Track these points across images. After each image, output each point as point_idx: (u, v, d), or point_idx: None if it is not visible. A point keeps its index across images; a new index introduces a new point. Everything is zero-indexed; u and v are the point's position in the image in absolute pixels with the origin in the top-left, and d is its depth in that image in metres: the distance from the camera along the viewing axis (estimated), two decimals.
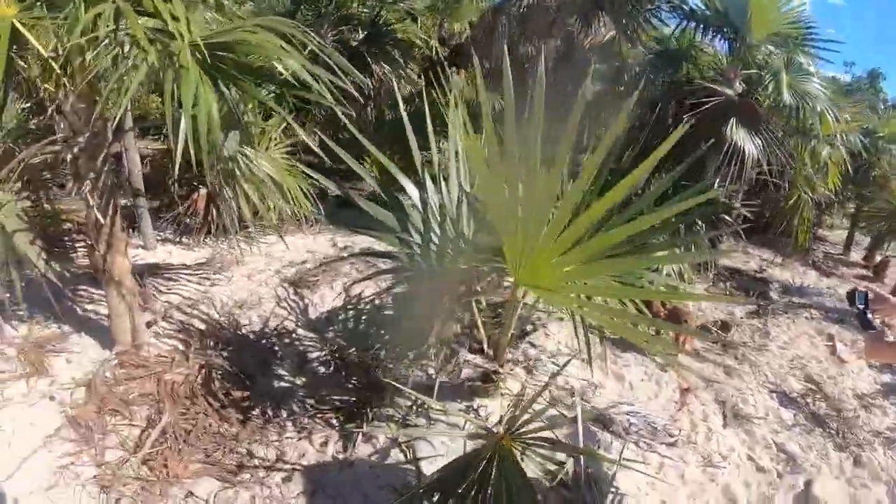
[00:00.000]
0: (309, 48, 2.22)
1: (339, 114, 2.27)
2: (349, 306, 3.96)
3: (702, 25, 5.57)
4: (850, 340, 4.99)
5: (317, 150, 2.77)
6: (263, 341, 3.46)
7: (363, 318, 3.81)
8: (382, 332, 3.59)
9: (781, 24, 5.32)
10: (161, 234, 4.98)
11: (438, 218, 2.44)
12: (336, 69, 2.16)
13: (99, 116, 2.53)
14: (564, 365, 2.90)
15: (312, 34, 2.27)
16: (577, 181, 1.92)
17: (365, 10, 5.64)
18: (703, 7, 5.51)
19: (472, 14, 7.79)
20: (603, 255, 2.08)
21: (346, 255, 5.03)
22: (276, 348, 3.40)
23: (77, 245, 3.38)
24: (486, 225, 2.46)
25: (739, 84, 5.49)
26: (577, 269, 2.09)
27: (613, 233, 2.03)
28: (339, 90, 2.19)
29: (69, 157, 2.58)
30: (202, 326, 3.57)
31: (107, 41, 2.04)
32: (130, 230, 4.62)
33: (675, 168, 2.64)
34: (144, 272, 4.03)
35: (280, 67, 2.19)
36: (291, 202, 3.80)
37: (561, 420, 2.92)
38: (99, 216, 2.71)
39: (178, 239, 5.00)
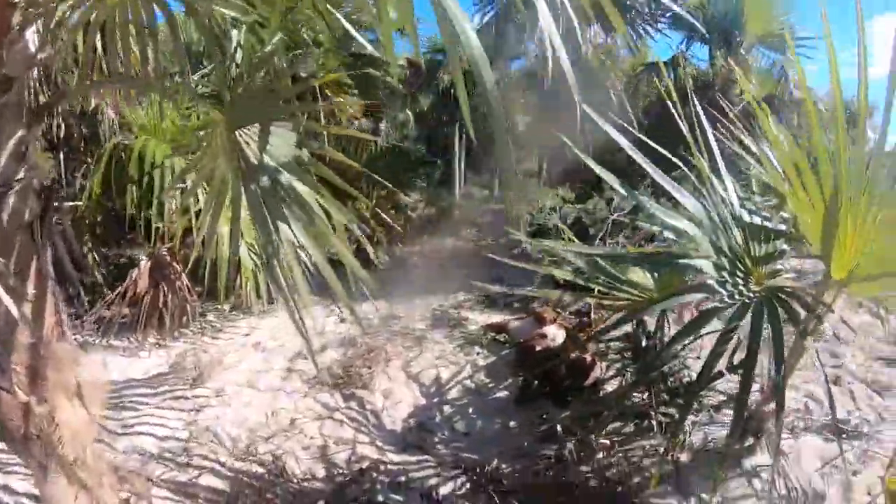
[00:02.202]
0: None
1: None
2: (436, 399, 2.64)
3: (692, 34, 5.35)
4: None
5: None
6: (348, 488, 2.02)
7: (470, 411, 2.52)
8: (506, 425, 2.35)
9: (772, 26, 5.26)
10: (77, 335, 3.21)
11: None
12: None
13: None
14: None
15: None
16: None
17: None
18: (693, 16, 5.27)
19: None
20: None
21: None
22: (379, 497, 1.98)
23: None
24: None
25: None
26: None
27: None
28: None
29: None
30: (221, 485, 2.04)
31: None
32: None
33: None
34: None
35: None
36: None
37: None
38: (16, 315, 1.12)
39: (105, 342, 3.25)
